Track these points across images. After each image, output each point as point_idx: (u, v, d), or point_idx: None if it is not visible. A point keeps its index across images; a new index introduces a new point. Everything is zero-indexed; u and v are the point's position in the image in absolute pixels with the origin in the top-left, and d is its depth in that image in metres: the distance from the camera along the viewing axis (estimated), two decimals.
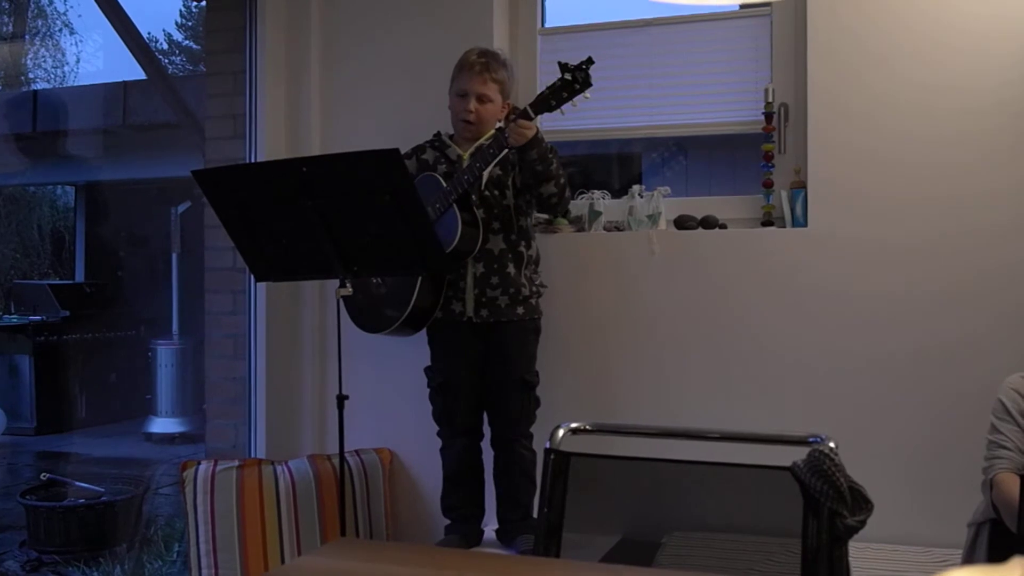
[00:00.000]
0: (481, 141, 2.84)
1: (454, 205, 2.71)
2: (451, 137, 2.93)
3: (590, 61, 2.63)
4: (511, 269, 2.81)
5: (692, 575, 1.59)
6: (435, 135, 2.96)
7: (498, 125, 2.87)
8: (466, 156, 2.84)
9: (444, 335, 2.89)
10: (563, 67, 2.64)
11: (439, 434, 2.96)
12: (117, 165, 8.82)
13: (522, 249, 2.85)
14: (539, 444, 2.76)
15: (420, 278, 2.76)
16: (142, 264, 9.05)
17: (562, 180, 2.78)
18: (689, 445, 1.74)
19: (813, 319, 2.88)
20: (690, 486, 1.73)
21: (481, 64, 2.83)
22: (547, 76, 3.23)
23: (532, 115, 2.66)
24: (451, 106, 2.89)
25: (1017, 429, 2.00)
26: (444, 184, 2.74)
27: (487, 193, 2.79)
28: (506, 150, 2.71)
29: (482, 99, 2.83)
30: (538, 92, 3.19)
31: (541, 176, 2.73)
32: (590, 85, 2.63)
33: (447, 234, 2.68)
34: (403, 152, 2.93)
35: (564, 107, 2.66)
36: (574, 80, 2.63)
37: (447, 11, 3.24)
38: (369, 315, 2.89)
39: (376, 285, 2.86)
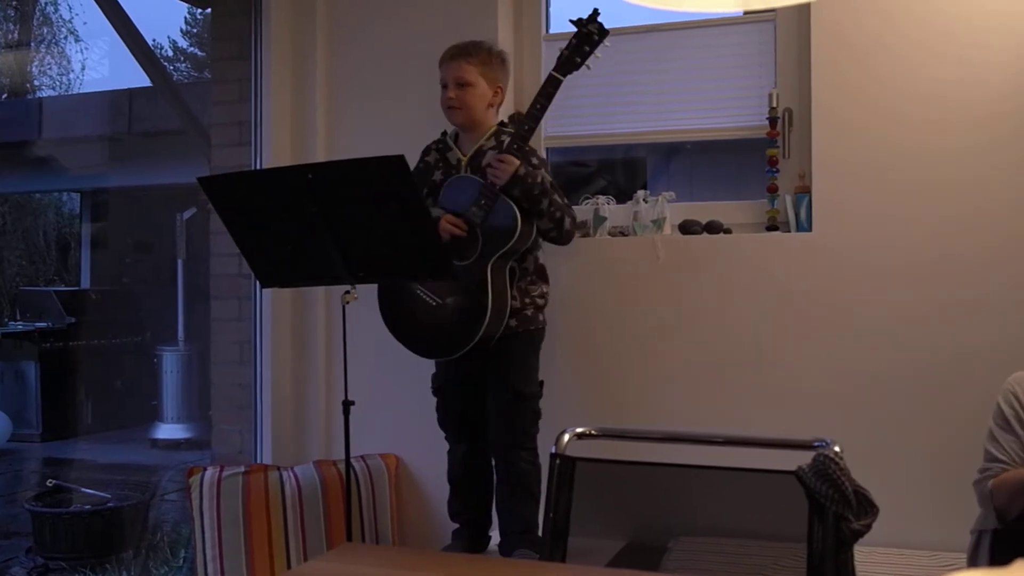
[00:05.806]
0: (481, 142, 2.81)
1: (501, 195, 2.65)
2: (456, 138, 2.90)
3: (596, 12, 2.65)
4: None
5: None
6: (442, 134, 2.93)
7: (499, 122, 2.85)
8: (465, 160, 2.81)
9: None
10: (577, 23, 2.66)
11: (446, 438, 2.96)
12: (122, 172, 8.84)
13: (512, 264, 2.75)
14: (544, 449, 2.76)
15: (489, 277, 2.66)
16: (148, 270, 9.07)
17: (557, 215, 2.71)
18: (694, 450, 1.74)
19: (819, 323, 2.88)
20: (696, 491, 1.73)
21: (453, 51, 2.82)
22: None
23: (560, 78, 2.64)
24: (440, 103, 2.86)
25: (1014, 439, 1.97)
26: (480, 180, 2.69)
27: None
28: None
29: (460, 83, 2.78)
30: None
31: (531, 211, 2.69)
32: (607, 33, 2.64)
33: (507, 220, 2.64)
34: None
35: (588, 61, 2.66)
36: (590, 32, 2.64)
37: (452, 19, 3.25)
38: (444, 337, 2.74)
39: (438, 307, 2.70)
